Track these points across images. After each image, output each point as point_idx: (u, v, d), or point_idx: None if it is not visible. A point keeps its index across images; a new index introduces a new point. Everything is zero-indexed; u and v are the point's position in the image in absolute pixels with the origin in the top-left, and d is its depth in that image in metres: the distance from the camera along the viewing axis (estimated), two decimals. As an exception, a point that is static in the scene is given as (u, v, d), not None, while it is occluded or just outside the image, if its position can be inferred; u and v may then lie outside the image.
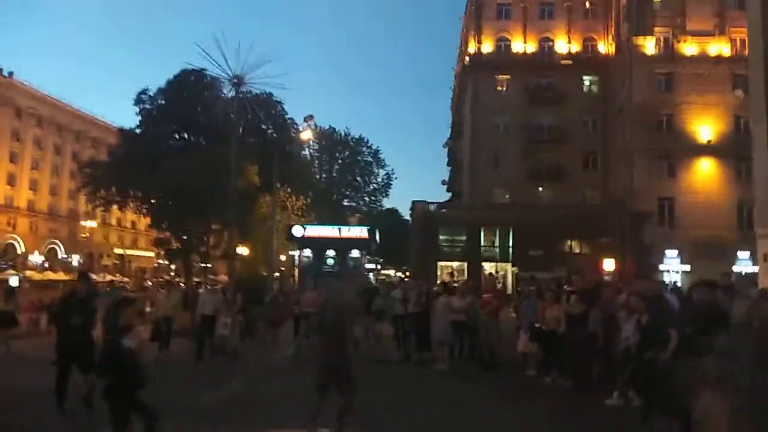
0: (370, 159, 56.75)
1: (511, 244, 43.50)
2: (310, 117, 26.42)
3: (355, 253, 27.30)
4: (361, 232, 28.18)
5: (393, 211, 62.32)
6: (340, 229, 29.03)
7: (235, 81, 19.70)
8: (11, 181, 67.38)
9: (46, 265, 66.18)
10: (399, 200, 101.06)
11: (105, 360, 5.28)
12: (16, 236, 66.22)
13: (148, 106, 34.03)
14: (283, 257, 34.11)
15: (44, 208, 71.20)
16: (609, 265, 34.22)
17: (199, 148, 29.20)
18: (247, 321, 13.40)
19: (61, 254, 71.53)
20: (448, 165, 64.29)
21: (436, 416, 8.03)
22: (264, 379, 10.82)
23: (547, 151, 46.98)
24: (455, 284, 15.56)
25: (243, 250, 31.20)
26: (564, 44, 47.86)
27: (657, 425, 7.27)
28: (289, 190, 31.66)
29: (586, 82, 48.02)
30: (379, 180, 58.02)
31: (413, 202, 45.65)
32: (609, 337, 8.98)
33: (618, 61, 44.91)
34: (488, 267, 42.21)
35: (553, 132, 46.97)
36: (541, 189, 47.09)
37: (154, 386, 9.69)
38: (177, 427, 7.00)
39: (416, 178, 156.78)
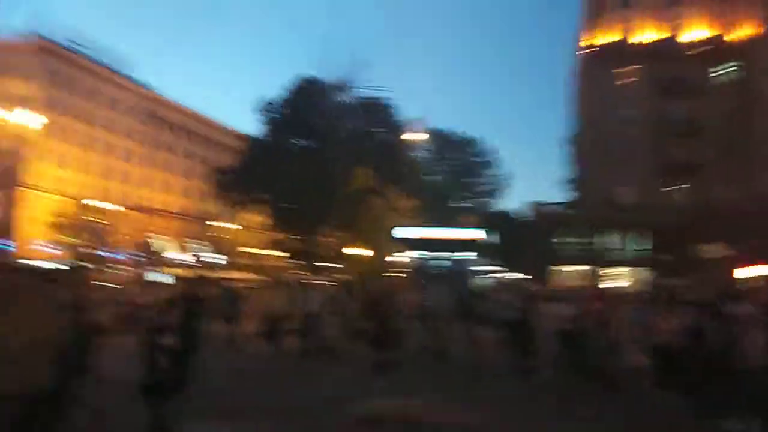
0: (484, 160, 55.87)
1: (637, 247, 40.84)
2: (421, 119, 26.59)
3: (464, 254, 26.99)
4: (471, 233, 27.82)
5: (509, 213, 60.88)
6: (449, 230, 28.89)
7: (342, 86, 20.20)
8: (160, 187, 74.71)
9: (193, 263, 72.29)
10: (516, 201, 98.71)
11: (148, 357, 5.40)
12: (165, 237, 73.09)
13: (273, 115, 36.38)
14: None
15: (191, 211, 77.91)
16: (752, 270, 30.95)
17: (317, 154, 30.54)
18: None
19: (205, 254, 77.65)
20: (571, 163, 61.64)
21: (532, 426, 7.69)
22: (357, 379, 10.99)
23: (678, 145, 43.51)
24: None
25: (357, 251, 32.17)
26: (696, 31, 44.09)
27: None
28: (399, 192, 32.20)
29: (723, 70, 43.80)
30: (494, 181, 56.97)
31: (530, 203, 44.27)
32: (731, 353, 8.10)
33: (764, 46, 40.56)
34: (611, 272, 39.97)
35: (686, 125, 43.38)
36: (671, 187, 43.66)
37: (251, 380, 10.37)
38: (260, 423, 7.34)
39: (536, 179, 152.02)
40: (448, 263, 26.59)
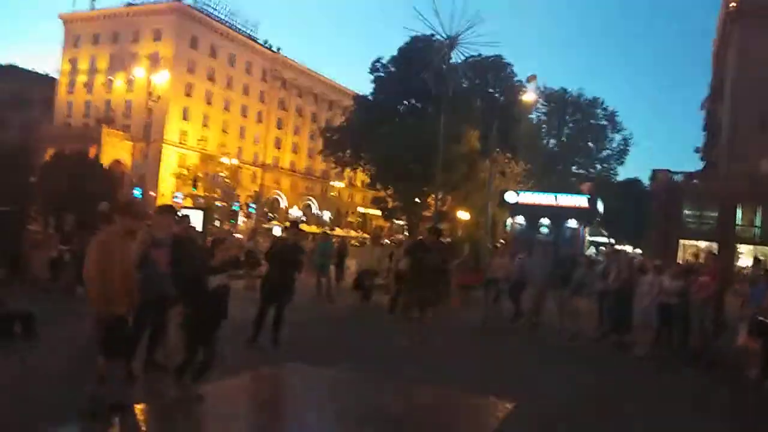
0: (605, 122, 51.95)
1: (777, 224, 36.75)
2: (533, 77, 25.15)
3: (572, 222, 25.59)
4: (580, 200, 26.22)
5: (633, 181, 56.92)
6: (556, 196, 27.38)
7: (450, 42, 19.51)
8: (278, 144, 78.13)
9: (303, 218, 75.60)
10: (641, 169, 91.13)
11: (193, 292, 5.60)
12: (280, 192, 76.78)
13: (381, 74, 36.32)
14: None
15: (302, 168, 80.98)
16: None
17: (425, 114, 30.11)
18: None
19: (314, 210, 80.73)
20: (704, 130, 56.28)
21: (617, 407, 7.16)
22: (434, 336, 10.89)
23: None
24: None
25: (461, 214, 31.67)
26: None
27: None
28: (509, 155, 31.06)
29: None
30: (614, 145, 52.91)
31: (654, 171, 41.02)
32: None
33: None
34: (745, 250, 36.42)
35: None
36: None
37: (336, 331, 10.60)
38: (336, 367, 7.46)
39: (664, 146, 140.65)
40: (552, 230, 25.47)
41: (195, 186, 50.35)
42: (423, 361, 8.79)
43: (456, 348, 10.43)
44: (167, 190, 59.72)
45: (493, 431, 5.75)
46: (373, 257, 14.72)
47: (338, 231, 52.51)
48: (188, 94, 65.71)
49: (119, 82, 62.95)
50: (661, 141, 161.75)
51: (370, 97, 36.33)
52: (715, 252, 29.69)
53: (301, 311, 10.72)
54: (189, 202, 52.00)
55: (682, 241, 37.20)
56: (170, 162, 61.93)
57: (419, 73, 29.39)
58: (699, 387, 8.53)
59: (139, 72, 41.32)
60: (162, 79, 39.84)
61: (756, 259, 16.26)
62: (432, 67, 23.26)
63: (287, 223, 13.94)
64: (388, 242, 23.19)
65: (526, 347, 10.81)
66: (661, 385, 8.48)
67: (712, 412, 7.26)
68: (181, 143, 64.58)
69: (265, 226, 50.54)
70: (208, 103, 68.28)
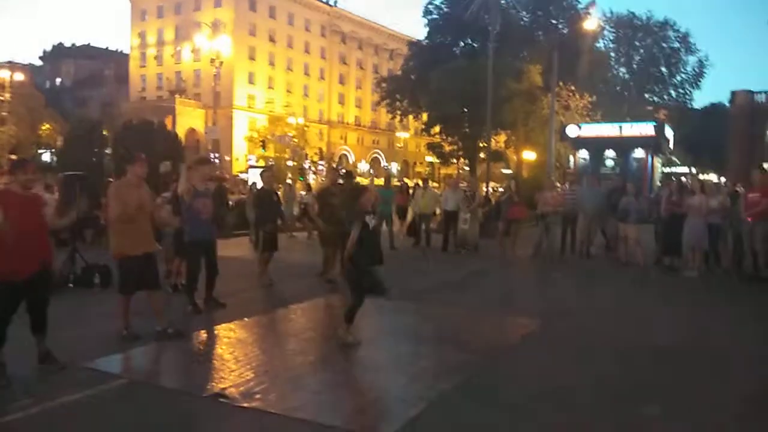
0: (678, 45, 48.47)
1: None
2: (592, 3, 24.02)
3: (638, 153, 24.61)
4: (646, 129, 25.02)
5: (714, 106, 53.40)
6: (621, 126, 26.22)
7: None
8: (341, 100, 78.68)
9: (372, 171, 76.45)
10: (724, 94, 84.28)
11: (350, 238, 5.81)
12: (347, 148, 77.79)
13: (435, 16, 35.62)
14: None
15: (367, 122, 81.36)
16: None
17: (482, 53, 29.39)
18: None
19: (383, 162, 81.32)
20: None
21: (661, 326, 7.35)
22: (480, 271, 11.27)
23: None
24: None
25: (529, 155, 31.15)
26: None
27: None
28: (572, 88, 30.00)
29: None
30: (689, 69, 49.31)
31: (733, 93, 38.39)
32: None
33: None
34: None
35: None
36: None
37: (387, 271, 11.14)
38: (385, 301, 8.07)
39: (747, 66, 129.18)
40: (618, 162, 24.65)
41: (264, 148, 51.93)
42: (470, 289, 9.26)
43: (507, 278, 10.81)
44: (240, 153, 61.96)
45: (513, 345, 6.15)
46: (423, 200, 15.01)
47: (407, 181, 52.88)
48: (252, 58, 67.04)
49: (186, 52, 65.00)
50: (743, 61, 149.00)
51: (425, 42, 35.86)
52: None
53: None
54: (262, 164, 53.79)
55: (766, 165, 34.94)
56: (241, 126, 63.97)
57: (474, 13, 28.67)
58: (740, 304, 8.48)
59: (202, 40, 42.55)
60: (224, 44, 40.90)
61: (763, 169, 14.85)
62: (489, 5, 22.62)
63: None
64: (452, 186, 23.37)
65: (574, 275, 10.99)
66: (713, 305, 8.49)
67: (749, 321, 7.28)
68: (249, 107, 66.40)
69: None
70: (271, 64, 69.44)
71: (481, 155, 27.05)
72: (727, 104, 48.76)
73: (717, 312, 7.94)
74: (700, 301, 8.70)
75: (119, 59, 75.16)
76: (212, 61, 35.21)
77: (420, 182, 18.09)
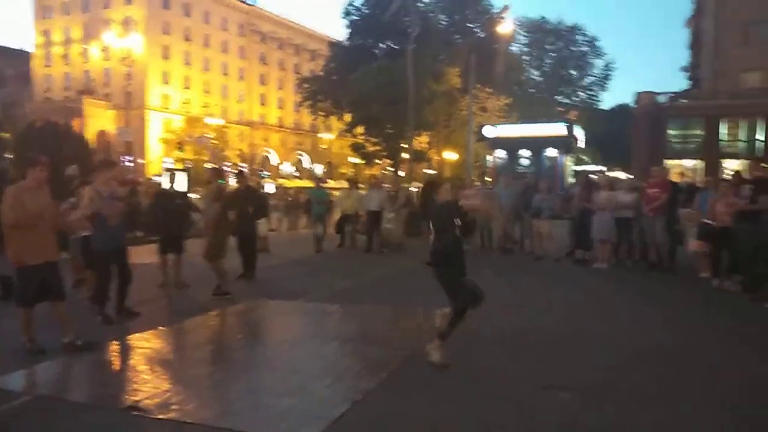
0: (586, 49, 51.31)
1: (761, 137, 36.89)
2: (506, 8, 24.81)
3: (551, 151, 25.75)
4: (558, 129, 26.28)
5: (620, 107, 56.60)
6: (534, 126, 27.44)
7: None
8: (262, 101, 77.35)
9: (296, 173, 75.59)
10: (630, 95, 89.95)
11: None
12: (270, 149, 76.56)
13: (355, 17, 35.74)
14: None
15: (290, 123, 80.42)
16: None
17: (402, 55, 29.74)
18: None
19: (306, 164, 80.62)
20: (689, 48, 55.59)
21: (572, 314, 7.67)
22: (404, 270, 11.39)
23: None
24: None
25: (446, 154, 31.88)
26: None
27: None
28: (489, 90, 30.97)
29: None
30: (597, 72, 52.37)
31: (637, 93, 40.83)
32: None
33: None
34: (730, 165, 36.68)
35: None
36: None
37: (311, 272, 11.10)
38: (303, 301, 8.02)
39: (653, 68, 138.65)
40: (532, 161, 25.68)
41: (181, 149, 50.21)
42: (395, 288, 9.34)
43: (431, 276, 10.96)
44: (155, 156, 59.64)
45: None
46: (348, 201, 15.04)
47: (331, 183, 52.69)
48: (166, 57, 64.72)
49: (95, 50, 61.83)
50: (650, 64, 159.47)
51: (346, 43, 35.90)
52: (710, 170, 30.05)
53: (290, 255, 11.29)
54: (179, 167, 52.03)
55: (667, 161, 37.42)
56: (156, 128, 61.57)
57: (393, 14, 28.99)
58: (652, 290, 9.06)
59: (112, 38, 40.62)
60: (136, 43, 39.21)
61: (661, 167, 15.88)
62: (409, 8, 22.94)
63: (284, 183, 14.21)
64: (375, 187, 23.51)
65: (493, 269, 11.31)
66: (617, 291, 9.02)
67: (662, 308, 7.76)
68: (164, 108, 64.06)
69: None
70: (187, 64, 67.31)
71: (405, 155, 27.40)
72: (632, 105, 51.91)
73: (622, 299, 8.42)
74: (607, 290, 9.18)
75: (22, 58, 70.42)
76: (123, 60, 33.70)
77: (347, 183, 18.05)
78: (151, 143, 60.61)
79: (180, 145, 51.12)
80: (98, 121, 57.48)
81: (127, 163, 50.54)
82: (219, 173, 9.11)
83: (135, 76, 55.98)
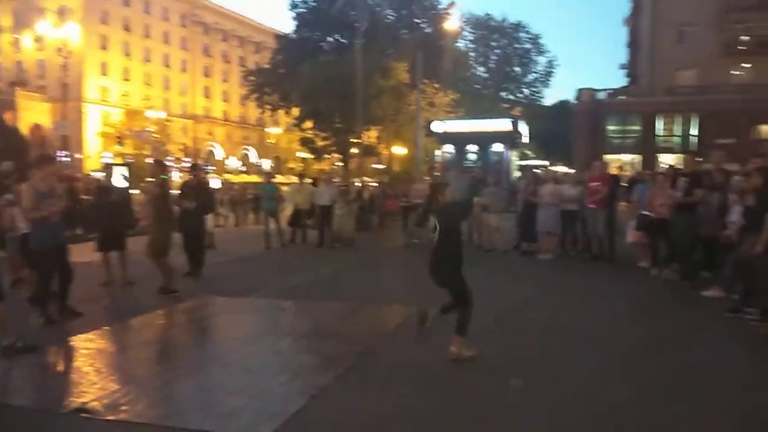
0: (529, 46, 52.50)
1: (694, 132, 38.76)
2: (452, 4, 25.11)
3: (497, 147, 26.28)
4: (503, 124, 26.84)
5: (562, 103, 58.18)
6: (481, 122, 27.95)
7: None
8: (206, 93, 75.53)
9: (243, 168, 74.27)
10: (573, 91, 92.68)
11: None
12: (215, 144, 74.92)
13: (302, 10, 35.36)
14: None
15: (235, 117, 78.90)
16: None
17: (350, 50, 29.61)
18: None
19: (253, 159, 79.32)
20: (627, 46, 57.69)
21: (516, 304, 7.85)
22: (356, 265, 11.45)
23: (748, 20, 39.83)
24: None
25: (395, 149, 32.01)
26: None
27: (747, 318, 6.45)
28: (436, 85, 31.24)
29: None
30: (540, 69, 53.66)
31: (578, 90, 42.08)
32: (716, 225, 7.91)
33: None
34: (666, 159, 38.34)
35: (756, -1, 39.39)
36: (740, 67, 40.44)
37: (262, 269, 10.98)
38: (257, 299, 7.93)
39: (595, 66, 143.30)
40: (479, 156, 26.11)
41: (121, 143, 48.39)
42: (348, 283, 9.33)
43: (383, 270, 11.03)
44: (93, 150, 57.43)
45: (388, 332, 6.30)
46: (299, 195, 14.92)
47: (279, 178, 52.09)
48: (104, 48, 62.28)
49: (28, 40, 58.82)
50: (591, 62, 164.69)
51: (293, 36, 35.47)
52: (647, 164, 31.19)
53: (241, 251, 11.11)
54: (119, 162, 50.22)
55: (606, 156, 38.76)
56: (94, 121, 59.21)
57: (340, 8, 28.83)
58: (595, 279, 9.39)
59: (46, 27, 38.69)
60: (72, 32, 37.48)
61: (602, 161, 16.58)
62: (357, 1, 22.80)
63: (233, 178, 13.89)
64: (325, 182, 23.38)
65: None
66: (563, 282, 9.30)
67: (605, 297, 8.07)
68: (102, 100, 61.67)
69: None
70: (127, 55, 64.97)
71: (354, 150, 27.35)
72: (573, 101, 53.51)
73: (567, 288, 8.70)
74: (552, 280, 9.48)
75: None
76: (59, 50, 32.22)
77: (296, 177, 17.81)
78: (89, 137, 58.25)
79: (119, 140, 49.25)
80: (32, 115, 54.75)
81: (63, 159, 48.41)
82: (162, 167, 8.83)
83: (71, 67, 53.17)
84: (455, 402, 4.30)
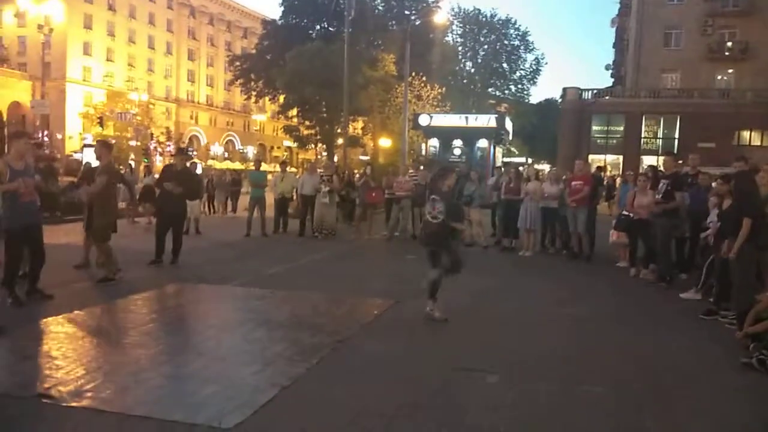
0: (518, 43, 52.55)
1: (677, 135, 39.18)
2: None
3: (482, 142, 26.30)
4: (488, 120, 26.85)
5: (548, 102, 58.52)
6: (467, 117, 27.92)
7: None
8: (191, 77, 74.56)
9: (226, 155, 73.56)
10: (556, 89, 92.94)
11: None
12: (198, 129, 74.09)
13: (289, -3, 34.95)
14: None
15: (220, 102, 78.05)
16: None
17: (338, 38, 29.42)
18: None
19: (237, 146, 78.66)
20: (614, 47, 58.13)
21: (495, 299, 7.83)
22: (337, 255, 11.37)
23: (731, 26, 40.35)
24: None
25: (385, 141, 31.83)
26: None
27: (723, 321, 6.50)
28: (424, 79, 31.16)
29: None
30: (527, 66, 53.75)
31: (564, 89, 42.27)
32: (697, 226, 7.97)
33: None
34: (648, 160, 38.75)
35: (741, 2, 39.83)
36: (723, 71, 40.96)
37: (241, 257, 10.86)
38: (234, 287, 7.82)
39: (582, 65, 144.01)
40: (464, 151, 26.08)
41: (102, 125, 47.50)
42: (327, 274, 9.25)
43: (363, 261, 10.96)
44: (75, 131, 56.46)
45: (366, 324, 6.24)
46: (283, 184, 14.77)
47: (265, 166, 51.68)
48: (88, 27, 61.12)
49: (9, 15, 57.42)
50: (578, 61, 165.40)
51: (280, 22, 35.10)
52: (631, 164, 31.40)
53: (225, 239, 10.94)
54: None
55: (590, 156, 39.06)
56: (75, 101, 58.16)
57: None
58: (574, 278, 9.42)
59: (28, 3, 37.77)
60: (55, 9, 36.65)
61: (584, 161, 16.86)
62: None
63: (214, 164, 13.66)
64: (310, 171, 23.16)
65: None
66: (541, 277, 9.31)
67: (582, 296, 8.07)
68: (85, 80, 60.61)
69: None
70: (111, 35, 63.84)
71: (339, 140, 27.19)
72: (559, 100, 53.81)
73: (546, 285, 8.72)
74: (531, 276, 9.49)
75: None
76: (40, 27, 31.44)
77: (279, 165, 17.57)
78: (70, 118, 57.24)
79: (100, 121, 48.34)
80: (11, 92, 53.59)
81: (44, 139, 47.48)
82: (108, 148, 8.58)
83: (54, 45, 52.30)
84: (428, 395, 4.25)
